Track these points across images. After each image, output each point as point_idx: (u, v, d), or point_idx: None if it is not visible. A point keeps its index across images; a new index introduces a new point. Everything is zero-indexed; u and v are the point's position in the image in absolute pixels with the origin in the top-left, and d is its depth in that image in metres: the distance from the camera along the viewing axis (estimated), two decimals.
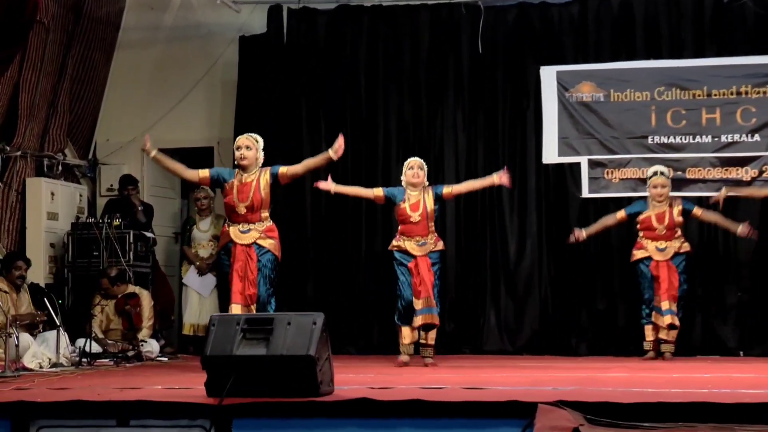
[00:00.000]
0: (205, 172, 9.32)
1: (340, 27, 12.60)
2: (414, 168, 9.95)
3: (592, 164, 11.89)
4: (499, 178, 10.04)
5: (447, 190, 10.07)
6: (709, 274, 11.64)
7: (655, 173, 10.81)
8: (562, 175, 12.04)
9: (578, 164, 11.94)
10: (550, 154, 12.01)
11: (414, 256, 9.84)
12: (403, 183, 10.04)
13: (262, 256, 9.09)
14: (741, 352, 11.53)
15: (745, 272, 11.74)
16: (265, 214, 9.18)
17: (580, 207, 11.91)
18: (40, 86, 11.88)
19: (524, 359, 11.20)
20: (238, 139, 9.36)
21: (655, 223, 10.69)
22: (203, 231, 12.21)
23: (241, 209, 9.07)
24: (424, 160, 10.18)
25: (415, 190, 9.93)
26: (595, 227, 11.20)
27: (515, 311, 12.07)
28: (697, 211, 10.88)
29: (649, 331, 10.77)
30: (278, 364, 5.94)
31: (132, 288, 11.20)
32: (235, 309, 8.88)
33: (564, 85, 12.00)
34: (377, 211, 12.13)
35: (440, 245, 10.01)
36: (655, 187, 10.72)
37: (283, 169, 9.18)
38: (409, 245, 9.88)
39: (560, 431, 5.40)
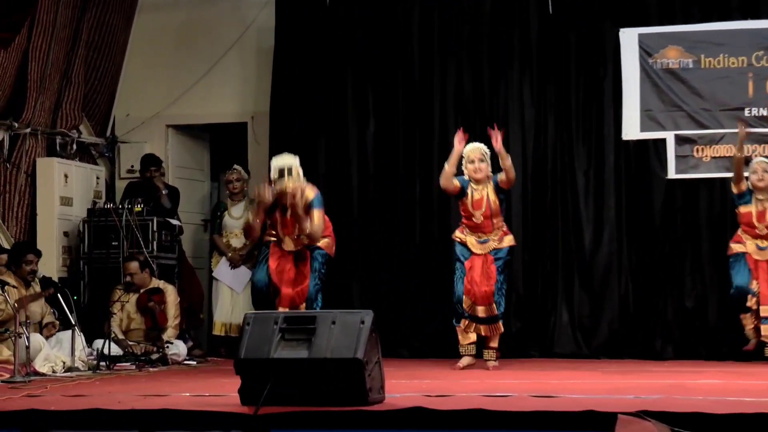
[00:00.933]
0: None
1: None
2: (474, 162, 10.08)
3: (680, 140, 11.83)
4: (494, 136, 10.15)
5: (501, 177, 10.15)
6: None
7: (754, 167, 10.69)
8: (645, 153, 11.98)
9: (663, 141, 11.88)
10: (631, 129, 11.96)
11: (472, 254, 10.03)
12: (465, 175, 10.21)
13: (314, 251, 9.39)
14: None
15: None
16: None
17: (666, 189, 11.86)
18: (51, 55, 11.96)
19: (601, 363, 11.18)
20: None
21: (755, 221, 10.64)
22: (236, 218, 12.25)
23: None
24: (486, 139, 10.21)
25: (479, 185, 10.09)
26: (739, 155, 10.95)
27: (591, 308, 12.04)
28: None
29: (747, 319, 10.67)
30: (321, 368, 5.98)
31: (156, 282, 11.27)
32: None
33: (647, 50, 11.94)
34: (433, 196, 12.14)
35: (507, 241, 10.15)
36: (754, 172, 10.62)
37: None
38: (470, 241, 10.08)
39: None
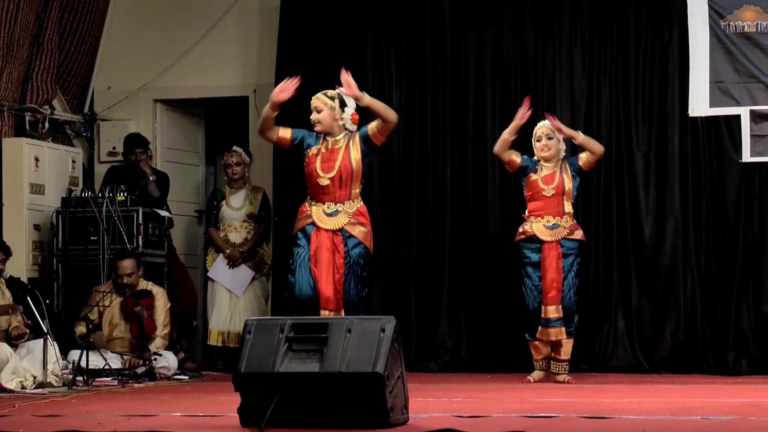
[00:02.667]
0: (285, 132, 9.44)
1: None
2: (542, 139, 10.29)
3: (757, 117, 11.84)
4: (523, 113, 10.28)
5: (583, 158, 10.32)
6: None
7: None
8: (717, 132, 11.99)
9: (738, 117, 11.89)
10: (700, 104, 11.97)
11: (542, 243, 10.12)
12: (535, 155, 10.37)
13: (353, 249, 9.23)
14: None
15: None
16: (356, 190, 9.38)
17: (741, 174, 11.86)
18: (20, 16, 11.93)
19: (664, 378, 11.23)
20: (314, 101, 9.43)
21: None
22: (235, 208, 12.30)
23: (324, 181, 9.26)
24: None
25: (550, 163, 10.26)
26: None
27: (652, 314, 12.06)
28: None
29: None
30: (335, 384, 6.00)
31: (144, 284, 11.28)
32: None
33: (719, 10, 11.95)
34: (467, 189, 12.17)
35: (579, 234, 10.29)
36: None
37: (372, 127, 9.33)
38: (537, 228, 10.18)
39: None
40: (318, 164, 9.23)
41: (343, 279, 9.14)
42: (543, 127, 10.33)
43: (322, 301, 9.07)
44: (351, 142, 9.27)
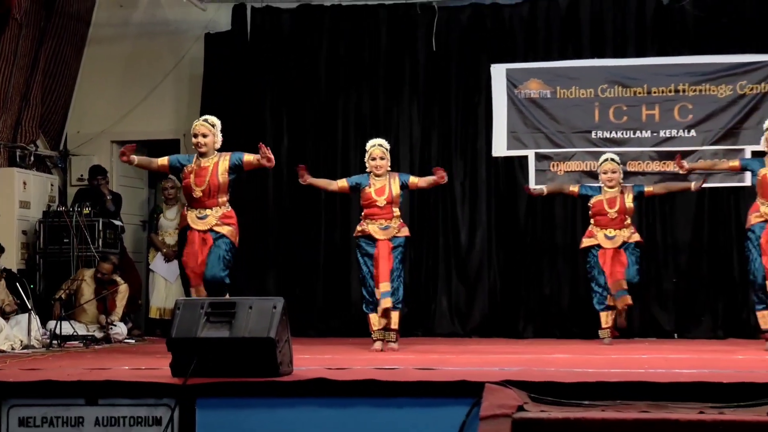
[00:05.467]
0: (164, 160, 9.02)
1: (302, 25, 12.60)
2: (376, 159, 9.67)
3: (539, 157, 11.93)
4: (439, 177, 9.69)
5: (413, 180, 9.84)
6: (648, 262, 11.72)
7: (606, 159, 10.60)
8: (511, 168, 12.09)
9: (526, 157, 11.97)
10: (500, 147, 12.04)
11: (376, 240, 9.57)
12: (368, 169, 9.81)
13: (218, 239, 8.81)
14: (676, 335, 11.67)
15: (681, 259, 11.88)
16: (223, 199, 8.90)
17: (528, 198, 11.88)
18: (13, 79, 11.79)
19: (474, 341, 11.25)
20: (194, 126, 9.00)
21: (606, 207, 10.45)
22: (170, 219, 12.18)
23: (198, 193, 8.82)
24: None
25: (380, 177, 9.69)
26: (552, 186, 11.19)
27: (466, 296, 12.12)
28: (648, 188, 10.75)
29: (604, 317, 10.52)
30: (240, 346, 5.93)
31: (116, 278, 11.14)
32: (198, 291, 8.68)
33: (513, 81, 12.03)
34: (336, 202, 12.17)
35: (404, 231, 9.70)
36: (605, 172, 10.51)
37: (247, 158, 8.87)
38: (373, 228, 9.59)
39: (506, 409, 5.44)
40: (192, 180, 8.78)
41: (206, 258, 8.72)
42: (378, 147, 9.71)
43: (191, 279, 8.76)
44: (219, 161, 8.81)
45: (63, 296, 10.93)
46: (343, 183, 9.89)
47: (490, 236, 12.11)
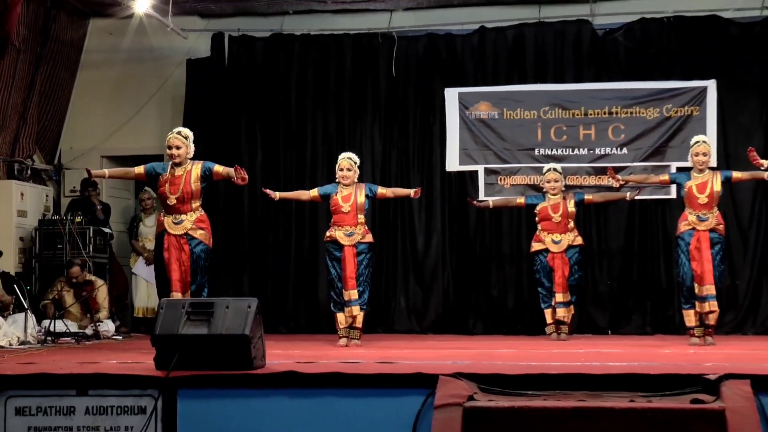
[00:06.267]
0: (140, 169, 8.91)
1: (274, 52, 12.58)
2: (343, 170, 9.60)
3: (488, 172, 11.95)
4: (414, 193, 9.88)
5: (381, 191, 9.79)
6: (586, 265, 11.78)
7: (549, 170, 10.63)
8: (463, 181, 12.11)
9: (476, 172, 11.99)
10: (453, 162, 12.05)
11: (343, 246, 9.48)
12: (337, 179, 9.72)
13: (196, 247, 8.70)
14: (609, 331, 11.72)
15: (615, 264, 11.94)
16: (196, 204, 8.76)
17: (478, 208, 11.93)
18: (11, 100, 11.73)
19: (429, 338, 11.25)
20: (168, 138, 8.89)
21: (551, 213, 10.44)
22: (149, 226, 12.04)
23: (172, 200, 8.72)
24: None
25: (347, 187, 9.61)
26: (498, 201, 11.20)
27: (422, 297, 12.12)
28: (588, 196, 10.79)
29: (548, 314, 10.54)
30: (218, 342, 5.91)
31: (90, 277, 11.11)
32: (176, 296, 8.52)
33: (465, 104, 12.05)
34: (305, 212, 12.16)
35: (368, 238, 9.59)
36: (549, 181, 10.53)
37: (217, 168, 8.76)
38: (339, 234, 9.49)
39: (458, 399, 5.46)
40: (167, 188, 8.70)
41: (189, 270, 8.63)
42: (347, 160, 9.65)
43: (174, 286, 8.61)
44: (192, 170, 8.70)
45: (47, 304, 10.88)
46: (314, 192, 9.84)
47: (444, 242, 12.12)
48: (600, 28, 12.10)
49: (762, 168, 9.31)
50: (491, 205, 11.10)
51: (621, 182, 10.38)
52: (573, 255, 10.53)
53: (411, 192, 9.96)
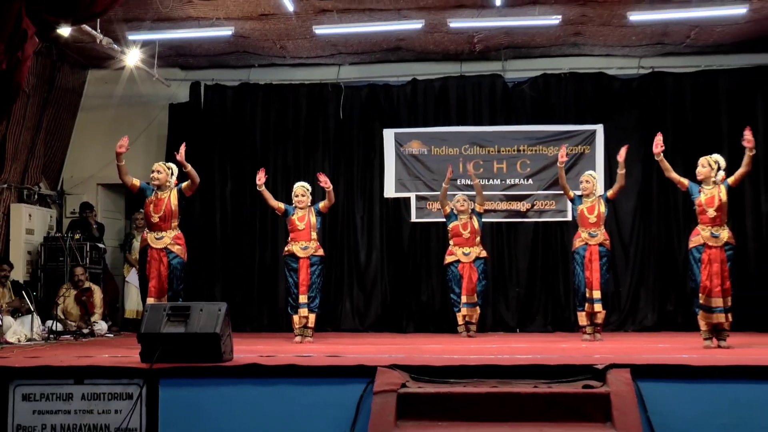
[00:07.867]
0: (137, 181, 8.89)
1: (242, 98, 12.53)
2: (298, 195, 9.62)
3: (419, 198, 12.01)
4: (326, 185, 9.66)
5: (321, 206, 9.66)
6: (497, 276, 11.88)
7: (457, 198, 10.58)
8: (398, 206, 12.13)
9: (409, 198, 12.04)
10: (390, 190, 12.09)
11: (299, 258, 9.45)
12: (293, 203, 9.69)
13: (173, 260, 8.63)
14: (518, 330, 11.79)
15: (522, 274, 12.01)
16: (175, 223, 8.74)
17: (410, 228, 12.01)
18: (22, 137, 11.61)
19: (370, 335, 11.22)
20: (153, 166, 8.96)
21: (461, 230, 10.43)
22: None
23: (155, 219, 8.67)
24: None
25: (302, 209, 9.58)
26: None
27: (364, 301, 12.10)
28: (478, 207, 10.55)
29: (459, 317, 10.48)
30: (193, 339, 5.88)
31: (88, 284, 10.96)
32: (150, 301, 8.39)
33: (400, 142, 12.11)
34: (267, 230, 12.10)
35: (320, 252, 9.56)
36: (458, 201, 10.51)
37: (183, 186, 8.77)
38: (296, 248, 9.47)
39: (393, 386, 5.46)
40: (151, 208, 8.68)
41: (167, 279, 8.55)
42: (302, 186, 9.65)
43: (150, 292, 8.51)
44: (171, 194, 8.72)
45: (58, 302, 10.72)
46: (280, 205, 9.71)
47: (382, 256, 12.13)
48: (510, 81, 12.22)
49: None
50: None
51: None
52: (479, 265, 10.51)
53: (329, 193, 9.68)
